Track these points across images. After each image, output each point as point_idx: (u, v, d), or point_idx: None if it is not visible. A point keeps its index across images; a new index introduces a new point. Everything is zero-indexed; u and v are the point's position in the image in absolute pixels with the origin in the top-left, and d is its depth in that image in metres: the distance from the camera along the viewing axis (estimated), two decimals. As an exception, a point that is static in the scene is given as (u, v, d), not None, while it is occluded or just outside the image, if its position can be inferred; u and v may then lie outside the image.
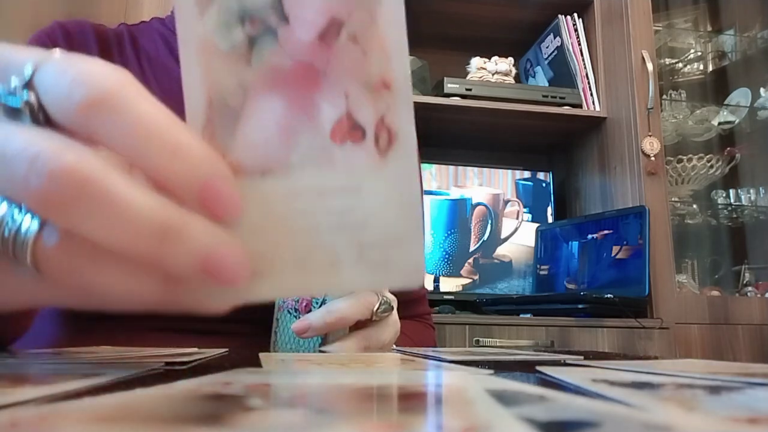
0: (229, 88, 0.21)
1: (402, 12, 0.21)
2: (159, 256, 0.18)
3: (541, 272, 1.55)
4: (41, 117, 0.19)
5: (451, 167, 1.59)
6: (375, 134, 0.21)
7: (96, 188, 0.17)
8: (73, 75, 0.18)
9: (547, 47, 1.63)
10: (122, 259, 0.18)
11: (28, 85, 0.19)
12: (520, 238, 1.59)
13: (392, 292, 0.48)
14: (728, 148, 1.63)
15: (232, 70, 0.21)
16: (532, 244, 1.59)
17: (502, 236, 1.58)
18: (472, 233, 1.55)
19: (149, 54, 0.62)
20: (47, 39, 0.58)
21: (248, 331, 0.51)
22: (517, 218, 1.59)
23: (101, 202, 0.17)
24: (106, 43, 0.61)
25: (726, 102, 1.67)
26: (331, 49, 0.21)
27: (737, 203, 1.65)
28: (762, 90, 1.65)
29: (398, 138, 0.21)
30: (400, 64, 0.21)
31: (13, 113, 0.19)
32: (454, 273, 1.53)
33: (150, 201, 0.18)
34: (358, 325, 0.44)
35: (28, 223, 0.19)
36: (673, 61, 1.74)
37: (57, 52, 0.20)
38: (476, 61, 1.56)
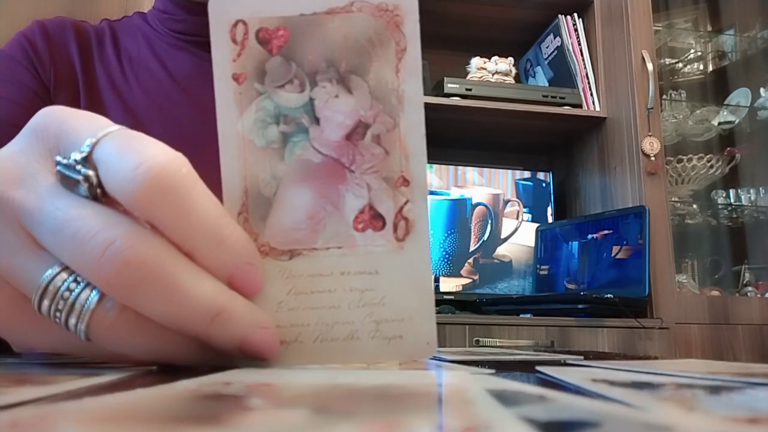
0: (264, 179, 0.23)
1: (422, 119, 0.23)
2: (206, 334, 0.20)
3: (541, 272, 1.55)
4: (98, 192, 0.20)
5: (451, 167, 1.59)
6: (394, 223, 0.23)
7: (162, 276, 0.19)
8: (135, 161, 0.20)
9: (547, 47, 1.63)
10: (169, 330, 0.20)
11: (87, 160, 0.20)
12: (520, 238, 1.59)
13: None
14: (728, 148, 1.62)
15: (267, 164, 0.23)
16: (532, 244, 1.59)
17: (502, 236, 1.58)
18: (472, 233, 1.55)
19: (130, 53, 0.61)
20: (25, 40, 0.57)
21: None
22: (517, 218, 1.59)
23: (165, 289, 0.19)
24: (86, 42, 0.60)
25: (726, 102, 1.67)
26: (357, 148, 0.23)
27: (737, 203, 1.65)
28: (762, 90, 1.64)
29: (415, 227, 0.23)
30: (419, 164, 0.23)
31: (71, 183, 0.20)
32: (454, 273, 1.53)
33: (206, 287, 0.20)
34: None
35: (87, 296, 0.20)
36: (673, 61, 1.74)
37: (113, 126, 0.21)
38: (476, 61, 1.56)
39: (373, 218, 0.23)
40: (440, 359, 0.29)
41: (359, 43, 0.23)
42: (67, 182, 0.21)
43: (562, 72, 1.57)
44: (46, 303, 0.20)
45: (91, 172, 0.20)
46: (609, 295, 1.23)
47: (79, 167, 0.20)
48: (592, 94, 1.53)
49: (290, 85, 0.23)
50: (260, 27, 0.23)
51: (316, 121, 0.23)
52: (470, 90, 1.47)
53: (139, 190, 0.19)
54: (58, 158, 0.21)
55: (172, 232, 0.20)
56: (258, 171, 0.23)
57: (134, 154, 0.20)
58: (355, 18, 0.23)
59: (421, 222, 0.23)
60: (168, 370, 0.21)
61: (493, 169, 1.61)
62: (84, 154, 0.20)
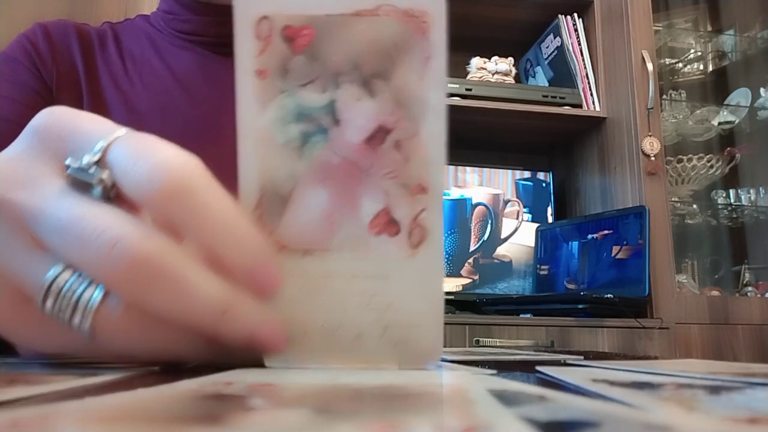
0: (281, 177, 0.23)
1: (443, 128, 0.23)
2: (214, 331, 0.20)
3: (541, 272, 1.55)
4: (112, 193, 0.21)
5: (451, 167, 1.59)
6: (409, 230, 0.23)
7: (169, 275, 0.19)
8: (152, 162, 0.20)
9: (547, 47, 1.63)
10: (173, 328, 0.20)
11: (100, 162, 0.21)
12: (520, 238, 1.59)
13: None
14: (728, 148, 1.63)
15: (285, 162, 0.23)
16: (532, 244, 1.59)
17: (502, 236, 1.58)
18: (472, 233, 1.55)
19: (133, 53, 0.61)
20: (27, 41, 0.57)
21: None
22: (517, 218, 1.59)
23: (173, 287, 0.19)
24: (88, 43, 0.60)
25: (726, 102, 1.67)
26: (376, 152, 0.23)
27: (737, 203, 1.65)
28: (762, 90, 1.64)
29: (429, 235, 0.23)
30: (437, 173, 0.23)
31: (83, 186, 0.21)
32: (454, 273, 1.53)
33: (213, 285, 0.20)
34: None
35: (91, 294, 0.20)
36: (673, 61, 1.74)
37: (122, 129, 0.21)
38: (476, 61, 1.56)
39: (389, 223, 0.23)
40: (441, 359, 0.29)
41: (385, 47, 0.23)
42: (80, 185, 0.21)
43: (562, 72, 1.57)
44: (49, 302, 0.20)
45: (105, 175, 0.20)
46: (609, 295, 1.23)
47: (92, 170, 0.20)
48: (592, 94, 1.53)
49: (313, 84, 0.23)
50: (285, 24, 0.23)
51: (337, 122, 0.23)
52: (470, 90, 1.47)
53: (158, 190, 0.20)
54: (69, 161, 0.21)
55: (189, 231, 0.20)
56: (276, 168, 0.23)
57: (150, 156, 0.20)
58: (381, 22, 0.23)
59: (435, 230, 0.23)
60: (169, 370, 0.21)
61: (493, 169, 1.61)
62: (97, 157, 0.21)
